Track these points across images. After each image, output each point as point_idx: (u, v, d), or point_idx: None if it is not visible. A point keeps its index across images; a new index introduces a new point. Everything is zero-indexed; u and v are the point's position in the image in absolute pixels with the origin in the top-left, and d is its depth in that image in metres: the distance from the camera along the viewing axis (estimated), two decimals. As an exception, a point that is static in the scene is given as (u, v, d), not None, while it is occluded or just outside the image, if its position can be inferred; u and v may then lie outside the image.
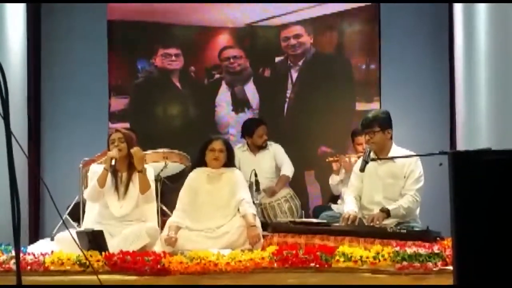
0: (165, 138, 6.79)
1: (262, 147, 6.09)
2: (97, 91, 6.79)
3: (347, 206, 4.67)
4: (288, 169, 6.06)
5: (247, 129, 6.23)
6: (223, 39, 7.03)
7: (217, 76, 7.01)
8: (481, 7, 4.83)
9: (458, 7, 5.76)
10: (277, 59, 6.97)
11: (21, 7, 6.11)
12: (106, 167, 4.59)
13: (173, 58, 7.00)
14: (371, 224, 4.42)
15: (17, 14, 5.98)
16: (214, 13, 6.99)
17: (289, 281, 3.80)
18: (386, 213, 4.49)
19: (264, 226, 4.91)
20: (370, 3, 6.79)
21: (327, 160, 5.82)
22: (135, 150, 4.59)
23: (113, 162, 4.63)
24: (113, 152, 4.61)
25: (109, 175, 4.63)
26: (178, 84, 7.01)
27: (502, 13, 4.40)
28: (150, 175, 4.72)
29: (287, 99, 6.94)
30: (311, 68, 6.93)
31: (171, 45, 6.99)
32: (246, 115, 6.87)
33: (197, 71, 7.02)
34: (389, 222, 4.48)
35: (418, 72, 6.60)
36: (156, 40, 7.00)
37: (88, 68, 6.77)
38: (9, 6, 5.77)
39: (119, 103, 6.97)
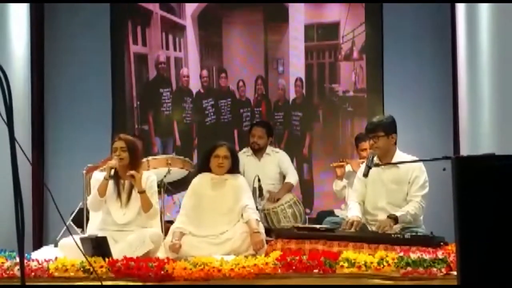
0: (169, 144, 6.81)
1: (260, 149, 6.05)
2: (101, 95, 6.78)
3: (351, 212, 4.66)
4: (292, 178, 6.04)
5: (249, 127, 6.30)
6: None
7: (222, 80, 7.02)
8: (484, 7, 4.81)
9: (460, 8, 5.76)
10: (280, 65, 6.98)
11: (24, 12, 6.11)
12: (106, 177, 4.59)
13: (178, 63, 7.02)
14: (382, 231, 4.39)
15: (20, 18, 5.99)
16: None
17: (293, 284, 3.80)
18: (394, 219, 4.47)
19: (268, 232, 4.90)
20: (373, 3, 6.78)
21: (331, 165, 5.81)
22: (132, 173, 4.56)
23: (112, 172, 4.60)
24: (113, 162, 4.60)
25: (112, 183, 4.63)
26: (183, 89, 7.02)
27: (506, 14, 4.38)
28: (153, 183, 4.72)
29: (290, 104, 6.95)
30: (314, 74, 6.93)
31: (175, 50, 7.00)
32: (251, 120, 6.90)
33: (203, 76, 7.02)
34: (393, 228, 4.46)
35: (421, 77, 6.60)
36: (160, 45, 7.01)
37: (92, 72, 6.76)
38: (12, 10, 5.77)
39: (123, 108, 6.98)
